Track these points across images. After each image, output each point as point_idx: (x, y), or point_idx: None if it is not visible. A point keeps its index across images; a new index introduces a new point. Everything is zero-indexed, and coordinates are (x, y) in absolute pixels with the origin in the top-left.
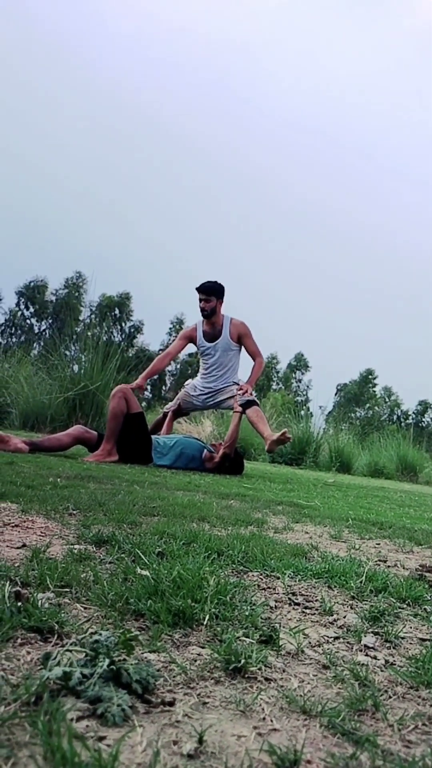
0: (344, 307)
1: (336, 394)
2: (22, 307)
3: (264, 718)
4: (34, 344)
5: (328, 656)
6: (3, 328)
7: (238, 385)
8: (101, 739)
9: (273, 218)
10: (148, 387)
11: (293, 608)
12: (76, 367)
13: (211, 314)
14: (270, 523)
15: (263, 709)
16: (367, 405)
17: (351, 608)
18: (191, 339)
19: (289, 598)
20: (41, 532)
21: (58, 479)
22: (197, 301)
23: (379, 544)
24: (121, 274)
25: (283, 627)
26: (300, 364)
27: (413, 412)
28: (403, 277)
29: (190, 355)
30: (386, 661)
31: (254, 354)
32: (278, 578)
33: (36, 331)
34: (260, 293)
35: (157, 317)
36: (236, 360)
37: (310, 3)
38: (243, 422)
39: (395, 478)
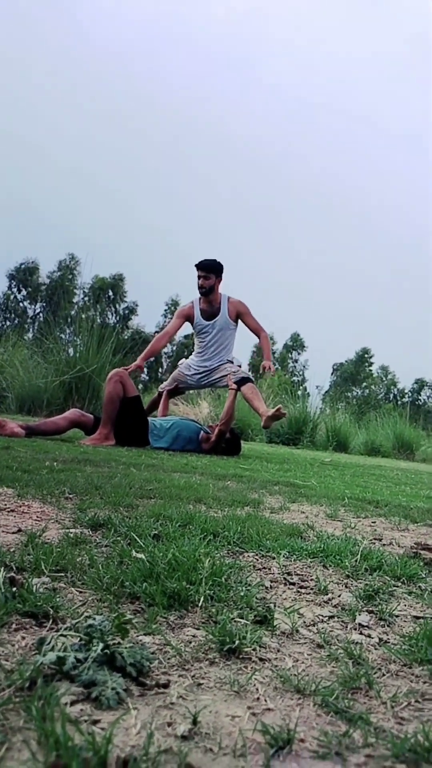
0: (340, 286)
1: (332, 374)
2: (14, 290)
3: (258, 698)
4: (29, 328)
5: (323, 635)
6: None
7: (232, 363)
8: (95, 722)
9: (268, 199)
10: (145, 368)
11: (288, 588)
12: (71, 351)
13: (209, 292)
14: (266, 503)
15: (257, 689)
16: (364, 384)
17: (346, 587)
18: (188, 317)
19: (285, 578)
20: (37, 517)
21: (55, 463)
22: (195, 279)
23: (374, 522)
24: (113, 255)
25: (278, 607)
26: (296, 344)
27: (409, 391)
28: (399, 256)
29: (185, 336)
30: (380, 639)
31: (257, 330)
32: (273, 558)
33: (30, 314)
34: (256, 274)
35: (151, 298)
36: (232, 339)
37: None
38: (240, 404)
39: (392, 456)
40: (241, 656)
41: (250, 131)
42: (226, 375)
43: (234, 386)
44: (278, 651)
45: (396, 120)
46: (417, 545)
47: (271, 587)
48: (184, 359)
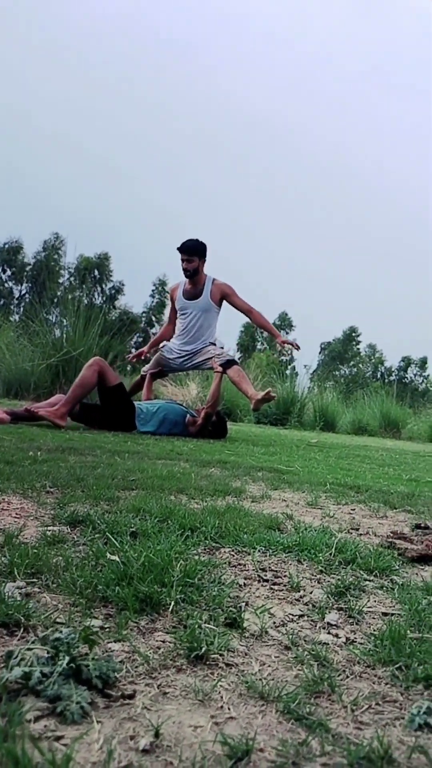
0: (328, 265)
1: (320, 353)
2: None
3: (222, 707)
4: (14, 309)
5: (291, 636)
6: None
7: (215, 345)
8: (58, 738)
9: (256, 176)
10: (133, 349)
11: (262, 585)
12: (57, 332)
13: (193, 274)
14: (248, 491)
15: (222, 697)
16: (351, 363)
17: (318, 582)
18: (173, 298)
19: (259, 575)
20: (16, 514)
21: (39, 452)
22: (179, 262)
23: (353, 509)
24: (98, 234)
25: (250, 606)
26: (284, 323)
27: (396, 369)
28: (388, 234)
29: None
30: (347, 639)
31: (247, 310)
32: (249, 554)
33: (15, 295)
34: (243, 253)
35: (138, 278)
36: (214, 322)
37: None
38: (228, 385)
39: (378, 435)
40: (208, 662)
41: (241, 97)
42: (210, 358)
43: (219, 369)
44: (246, 655)
45: (398, 75)
46: (393, 534)
47: (244, 585)
48: (165, 342)
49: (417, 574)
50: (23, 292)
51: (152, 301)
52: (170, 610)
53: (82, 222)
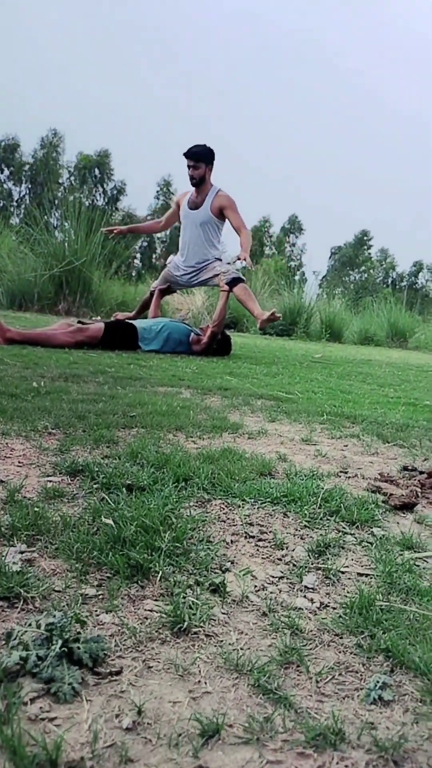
0: (340, 166)
1: (330, 258)
2: None
3: (199, 681)
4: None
5: (269, 601)
6: None
7: (221, 261)
8: (52, 720)
9: (265, 79)
10: (138, 255)
11: (248, 542)
12: (59, 236)
13: (200, 182)
14: (245, 426)
15: (200, 671)
16: (362, 268)
17: (301, 539)
18: (179, 204)
19: (246, 531)
20: (19, 462)
21: (42, 382)
22: (185, 168)
23: (346, 446)
24: (97, 130)
25: (235, 565)
26: (294, 227)
27: (407, 274)
28: (399, 131)
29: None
30: (321, 604)
31: (238, 228)
32: (239, 507)
33: (15, 197)
34: (252, 154)
35: (141, 178)
36: (214, 235)
37: None
38: (234, 297)
39: (385, 345)
40: (190, 634)
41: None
42: (217, 275)
43: (226, 287)
44: (225, 624)
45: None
46: (380, 476)
47: (231, 542)
48: (172, 256)
49: (398, 523)
50: (22, 193)
51: (157, 203)
52: (158, 578)
53: (81, 117)
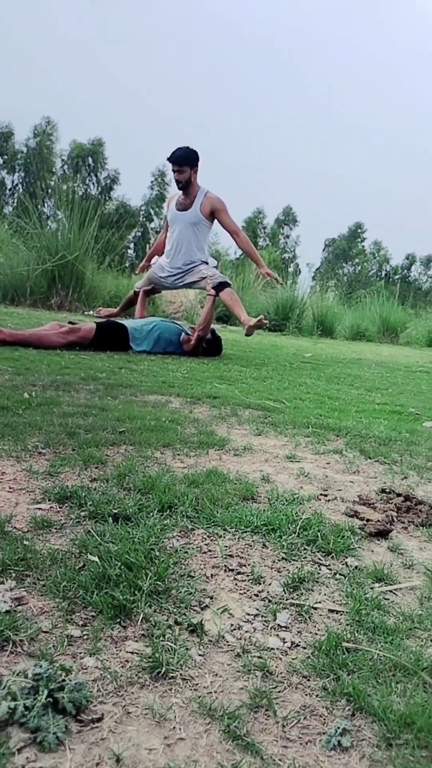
0: (334, 155)
1: (324, 250)
2: None
3: (174, 727)
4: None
5: (244, 641)
6: None
7: (207, 264)
8: None
9: (258, 67)
10: (131, 245)
11: (227, 575)
12: (53, 225)
13: (186, 186)
14: (231, 441)
15: (175, 717)
16: (356, 260)
17: (278, 572)
18: (168, 208)
19: (225, 564)
20: (10, 488)
21: (33, 392)
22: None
23: (329, 463)
24: (90, 118)
25: (214, 602)
26: (288, 218)
27: (399, 267)
28: (393, 124)
29: None
30: (292, 644)
31: (233, 231)
32: (220, 537)
33: (8, 186)
34: (246, 143)
35: (136, 169)
36: (203, 238)
37: None
38: None
39: (376, 340)
40: (168, 678)
41: None
42: (204, 278)
43: (212, 292)
44: (201, 666)
45: None
46: (359, 499)
47: (211, 576)
48: (157, 257)
49: (372, 551)
50: (15, 182)
51: (151, 194)
52: (140, 618)
53: (74, 105)
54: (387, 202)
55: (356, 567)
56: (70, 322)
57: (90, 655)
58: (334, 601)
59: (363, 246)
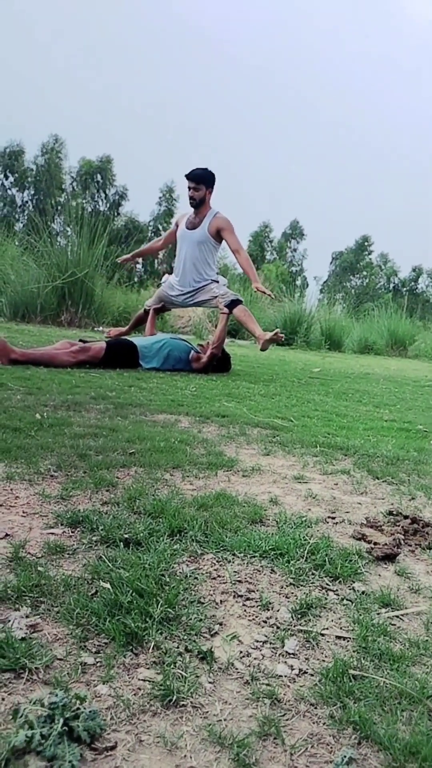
0: (340, 169)
1: (331, 263)
2: (1, 176)
3: (185, 756)
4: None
5: (252, 668)
6: None
7: (218, 282)
8: None
9: (265, 84)
10: (139, 261)
11: (236, 601)
12: (61, 241)
13: (199, 204)
14: (240, 462)
15: (186, 745)
16: (363, 273)
17: (286, 598)
18: (178, 223)
19: (234, 590)
20: (23, 512)
21: (45, 412)
22: (186, 177)
23: (336, 484)
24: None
25: (224, 628)
26: (295, 232)
27: (408, 280)
28: (398, 138)
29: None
30: (300, 671)
31: (235, 250)
32: (229, 562)
33: (18, 203)
34: (254, 158)
35: (144, 185)
36: (210, 257)
37: None
38: None
39: (384, 353)
40: (179, 705)
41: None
42: (215, 297)
43: (225, 310)
44: (211, 693)
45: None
46: (366, 522)
47: (221, 602)
48: (167, 275)
49: (379, 575)
50: (25, 200)
51: (159, 209)
52: (152, 646)
53: (81, 128)
54: (393, 214)
55: (363, 592)
56: (80, 340)
57: (103, 682)
58: (341, 628)
59: (370, 259)
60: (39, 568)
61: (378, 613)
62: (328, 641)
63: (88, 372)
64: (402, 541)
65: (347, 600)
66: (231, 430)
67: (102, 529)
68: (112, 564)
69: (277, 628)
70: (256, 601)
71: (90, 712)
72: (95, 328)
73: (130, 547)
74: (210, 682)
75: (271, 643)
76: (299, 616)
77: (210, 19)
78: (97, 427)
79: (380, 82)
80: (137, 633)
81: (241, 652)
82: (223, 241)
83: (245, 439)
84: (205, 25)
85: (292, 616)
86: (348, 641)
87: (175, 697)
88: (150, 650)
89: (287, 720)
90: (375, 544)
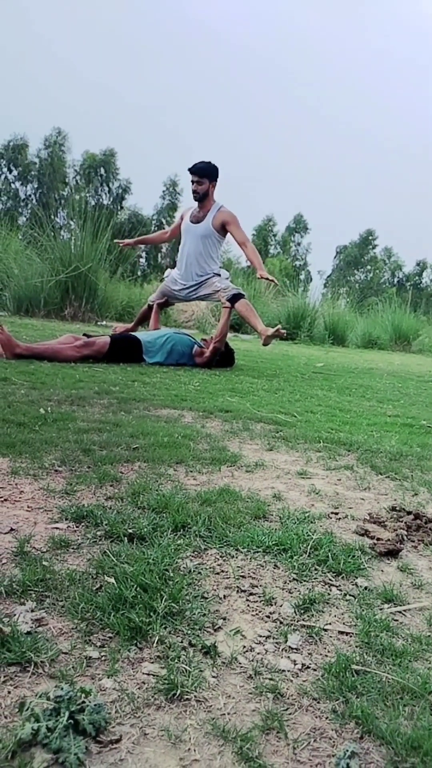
0: (344, 162)
1: (335, 257)
2: (5, 170)
3: (189, 749)
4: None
5: (256, 663)
6: None
7: (220, 276)
8: None
9: (267, 77)
10: (143, 254)
11: (240, 596)
12: (65, 235)
13: (203, 197)
14: (243, 457)
15: (190, 738)
16: (368, 267)
17: (289, 593)
18: (183, 217)
19: (238, 585)
20: (28, 507)
21: (49, 407)
22: (189, 174)
23: (339, 480)
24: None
25: (227, 623)
26: (299, 226)
27: (412, 274)
28: (404, 133)
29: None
30: (303, 666)
31: (241, 242)
32: (232, 557)
33: (21, 196)
34: (258, 152)
35: (147, 179)
36: (213, 250)
37: None
38: None
39: (388, 348)
40: (183, 699)
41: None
42: (217, 291)
43: (228, 304)
44: (215, 688)
45: None
46: (369, 517)
47: (224, 597)
48: (169, 269)
49: (382, 571)
50: (29, 193)
51: (163, 203)
52: (156, 640)
53: (86, 117)
54: (398, 208)
55: (366, 587)
56: (85, 334)
57: (108, 676)
58: (344, 623)
59: (374, 253)
60: (44, 563)
61: (381, 609)
62: (330, 636)
63: (91, 366)
64: (405, 537)
65: (350, 595)
66: (234, 425)
67: (106, 524)
68: (117, 559)
69: (280, 623)
70: (260, 597)
71: (95, 705)
72: (98, 323)
73: (134, 542)
74: (213, 677)
75: (274, 638)
76: (302, 611)
77: (213, 12)
78: (101, 422)
79: (385, 75)
80: (141, 627)
81: (244, 646)
82: (228, 235)
83: (248, 434)
84: (208, 18)
85: (295, 612)
86: (351, 636)
87: (179, 691)
88: (154, 644)
89: (290, 714)
90: (378, 539)
